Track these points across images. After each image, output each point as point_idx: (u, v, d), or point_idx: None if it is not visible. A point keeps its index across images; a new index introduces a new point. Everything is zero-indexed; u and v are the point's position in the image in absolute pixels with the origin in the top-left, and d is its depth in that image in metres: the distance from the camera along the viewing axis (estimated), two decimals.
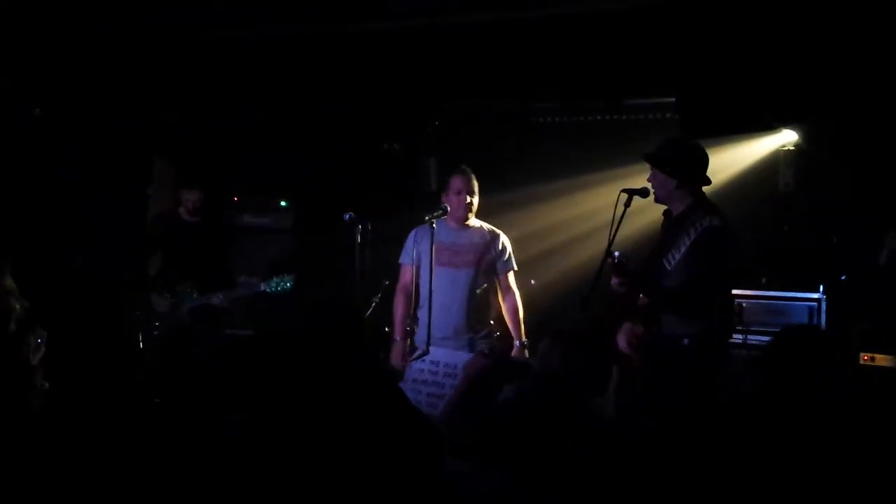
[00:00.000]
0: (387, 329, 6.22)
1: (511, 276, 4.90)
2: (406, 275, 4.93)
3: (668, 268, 3.83)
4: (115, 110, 6.03)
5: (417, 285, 4.84)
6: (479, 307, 4.83)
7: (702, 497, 2.53)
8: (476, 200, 4.81)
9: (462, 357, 4.11)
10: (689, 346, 3.75)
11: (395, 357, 4.74)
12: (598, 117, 6.66)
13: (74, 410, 4.80)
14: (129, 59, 5.73)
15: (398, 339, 4.80)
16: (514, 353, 4.77)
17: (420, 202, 6.20)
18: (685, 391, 3.66)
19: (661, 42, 5.23)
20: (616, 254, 3.73)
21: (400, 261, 5.01)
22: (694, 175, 3.92)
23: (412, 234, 4.96)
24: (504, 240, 4.90)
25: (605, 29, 5.29)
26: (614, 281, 3.81)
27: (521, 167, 6.80)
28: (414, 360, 4.27)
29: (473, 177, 4.82)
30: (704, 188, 4.02)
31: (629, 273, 3.78)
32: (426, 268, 4.71)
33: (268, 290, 5.10)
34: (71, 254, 5.91)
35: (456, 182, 4.78)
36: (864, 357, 5.03)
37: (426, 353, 4.27)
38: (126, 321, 5.52)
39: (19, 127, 5.78)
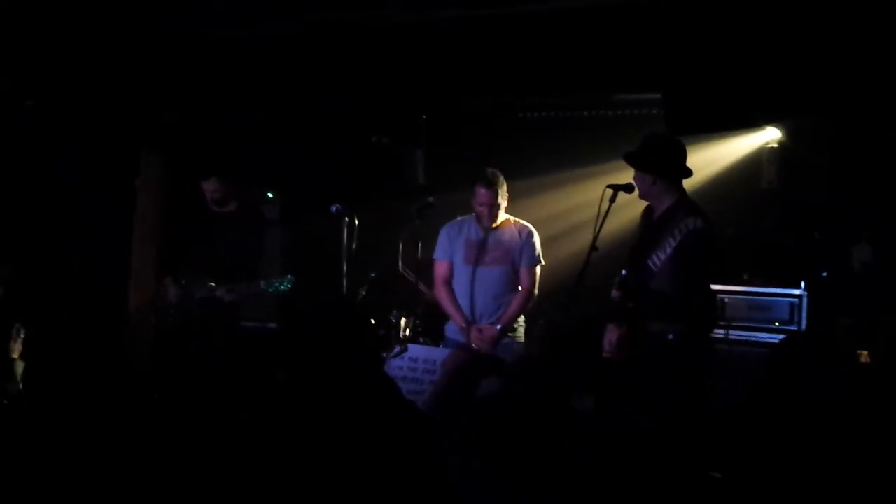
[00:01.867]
0: (373, 322, 6.25)
1: (531, 271, 4.97)
2: (442, 268, 4.99)
3: (654, 269, 3.89)
4: (112, 109, 6.01)
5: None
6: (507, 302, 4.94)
7: (696, 494, 2.57)
8: (502, 204, 4.89)
9: (440, 353, 4.15)
10: (675, 341, 3.80)
11: (476, 338, 4.75)
12: (585, 113, 6.69)
13: (66, 405, 4.83)
14: (127, 58, 5.71)
15: (465, 324, 4.84)
16: (487, 332, 4.81)
17: (408, 195, 6.23)
18: (673, 386, 3.71)
19: (648, 38, 5.26)
20: (623, 272, 3.79)
21: (434, 256, 5.08)
22: (670, 170, 3.97)
23: (445, 231, 5.06)
24: (532, 235, 4.98)
25: (591, 25, 5.31)
26: (615, 294, 3.86)
27: (508, 162, 6.78)
28: (392, 357, 4.31)
29: (499, 182, 4.87)
30: (689, 184, 4.06)
31: (630, 288, 3.82)
32: (459, 266, 4.82)
33: (268, 289, 5.05)
34: (68, 253, 5.88)
35: (479, 195, 4.86)
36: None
37: (405, 350, 4.31)
38: (119, 318, 5.52)
39: (18, 126, 5.75)
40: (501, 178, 4.91)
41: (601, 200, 3.89)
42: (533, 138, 6.89)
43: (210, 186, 5.27)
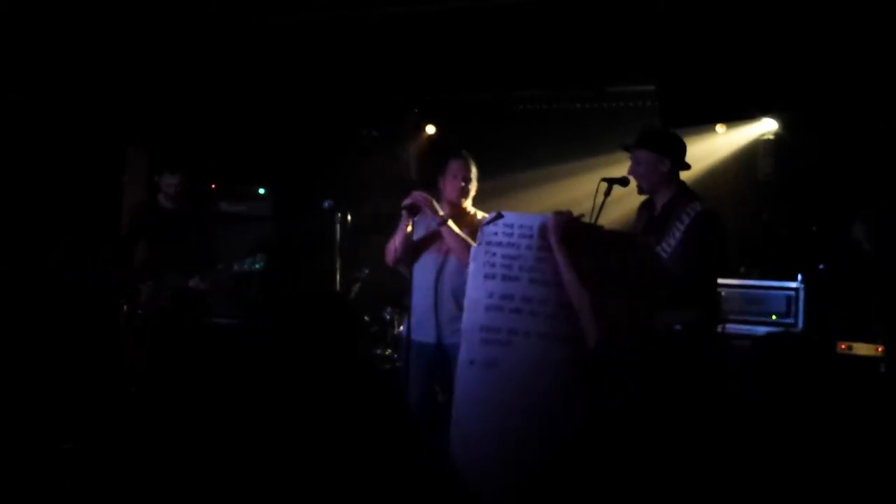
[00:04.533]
0: (367, 319, 6.22)
1: None
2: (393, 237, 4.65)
3: (665, 257, 3.81)
4: (98, 104, 5.96)
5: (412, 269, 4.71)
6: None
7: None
8: (473, 187, 4.67)
9: (536, 219, 3.96)
10: (683, 333, 3.77)
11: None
12: (579, 105, 6.67)
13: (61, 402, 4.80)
14: (113, 51, 5.67)
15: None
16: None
17: (400, 190, 6.17)
18: (682, 377, 3.67)
19: (642, 30, 5.23)
20: None
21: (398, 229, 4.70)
22: (681, 158, 3.95)
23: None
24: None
25: (585, 17, 5.28)
26: None
27: (502, 155, 6.79)
28: (487, 224, 4.14)
29: (472, 163, 4.67)
30: (685, 176, 4.05)
31: None
32: (424, 256, 4.61)
33: (241, 269, 5.05)
34: (55, 249, 5.84)
35: (453, 166, 4.63)
36: (842, 346, 5.06)
37: (500, 216, 4.11)
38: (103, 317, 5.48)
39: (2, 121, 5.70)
40: (474, 163, 4.77)
41: (595, 194, 3.84)
42: (527, 131, 6.87)
43: (174, 181, 5.27)
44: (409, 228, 4.43)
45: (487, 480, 3.50)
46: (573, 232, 3.54)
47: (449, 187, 4.62)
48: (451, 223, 4.39)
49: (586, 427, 2.88)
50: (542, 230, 3.67)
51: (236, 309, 5.91)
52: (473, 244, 4.34)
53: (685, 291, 3.73)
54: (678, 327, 3.76)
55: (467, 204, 4.68)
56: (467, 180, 4.62)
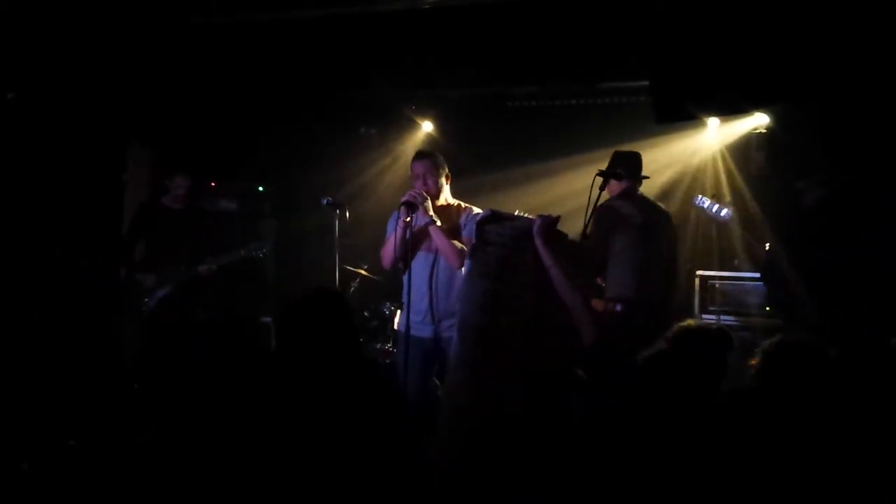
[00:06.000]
0: (366, 314, 6.26)
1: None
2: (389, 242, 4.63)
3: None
4: (98, 102, 5.99)
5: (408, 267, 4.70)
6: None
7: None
8: (440, 182, 4.59)
9: (526, 221, 3.94)
10: (621, 313, 4.12)
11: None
12: (574, 101, 6.71)
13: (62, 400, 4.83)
14: (105, 43, 5.69)
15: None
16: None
17: (398, 187, 6.23)
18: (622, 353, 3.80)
19: (635, 26, 5.27)
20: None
21: (387, 235, 4.73)
22: (613, 174, 4.37)
23: (395, 213, 4.70)
24: (473, 214, 4.58)
25: (579, 13, 5.32)
26: None
27: (497, 151, 6.84)
28: (482, 221, 4.11)
29: (436, 159, 4.61)
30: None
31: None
32: (416, 256, 4.61)
33: (249, 254, 5.49)
34: (57, 248, 5.89)
35: (413, 167, 4.61)
36: None
37: (495, 214, 4.09)
38: (113, 312, 5.61)
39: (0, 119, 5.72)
40: (440, 158, 4.63)
41: (591, 188, 3.91)
42: (522, 127, 6.91)
43: (184, 182, 5.55)
44: (408, 219, 4.44)
45: (456, 472, 3.50)
46: (552, 235, 3.60)
47: (416, 188, 4.54)
48: (437, 223, 4.41)
49: (583, 428, 2.92)
50: (529, 232, 3.70)
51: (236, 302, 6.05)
52: (458, 245, 4.42)
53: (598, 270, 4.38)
54: (619, 307, 4.20)
55: (444, 198, 4.64)
56: (428, 178, 4.56)
